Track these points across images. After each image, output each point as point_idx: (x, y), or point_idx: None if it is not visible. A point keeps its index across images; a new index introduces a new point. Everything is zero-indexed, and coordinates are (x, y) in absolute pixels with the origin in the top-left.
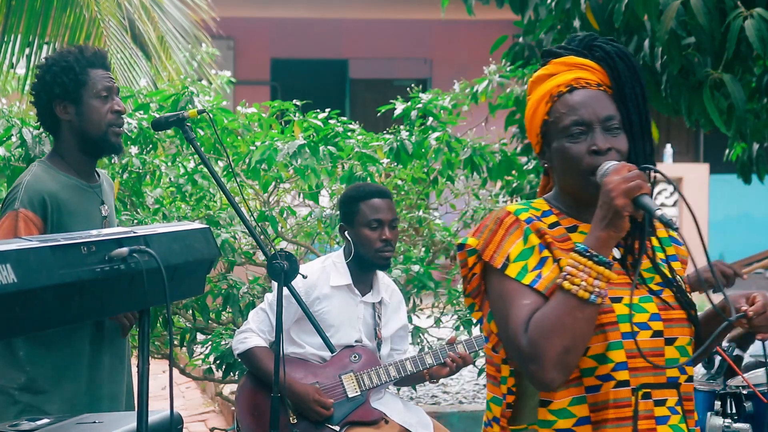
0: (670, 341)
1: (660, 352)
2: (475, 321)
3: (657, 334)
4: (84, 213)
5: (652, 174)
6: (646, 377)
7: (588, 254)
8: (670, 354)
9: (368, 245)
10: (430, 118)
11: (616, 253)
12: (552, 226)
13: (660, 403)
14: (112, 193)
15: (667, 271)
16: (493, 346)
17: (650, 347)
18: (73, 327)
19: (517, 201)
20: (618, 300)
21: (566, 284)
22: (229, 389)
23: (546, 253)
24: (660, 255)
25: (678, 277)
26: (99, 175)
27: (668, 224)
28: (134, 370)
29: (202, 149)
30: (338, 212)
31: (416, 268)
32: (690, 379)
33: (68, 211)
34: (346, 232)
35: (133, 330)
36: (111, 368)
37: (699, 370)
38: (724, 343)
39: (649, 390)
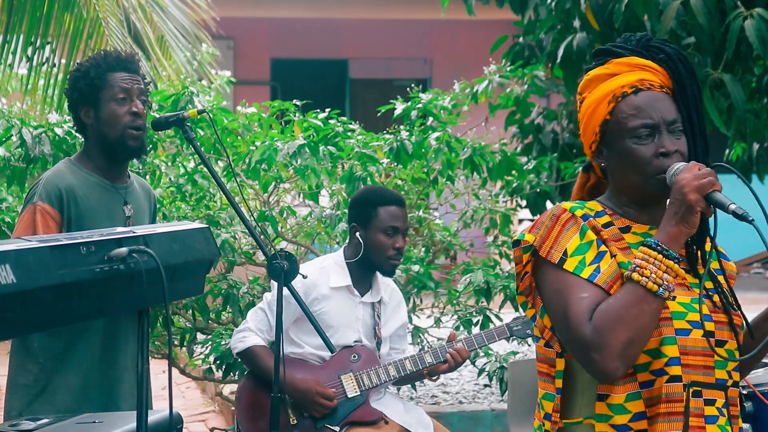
0: (720, 343)
1: (710, 352)
2: (529, 317)
3: (708, 334)
4: (105, 210)
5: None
6: (697, 375)
7: (659, 248)
8: (719, 355)
9: (381, 250)
10: (430, 118)
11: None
12: (605, 225)
13: (710, 402)
14: (147, 198)
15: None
16: (546, 341)
17: (701, 346)
18: (85, 324)
19: (575, 201)
20: (673, 298)
21: (635, 275)
22: (229, 389)
23: (604, 248)
24: (714, 264)
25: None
26: (129, 177)
27: (743, 218)
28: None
29: (202, 149)
30: (339, 212)
31: (416, 268)
32: (736, 384)
33: (87, 206)
34: (357, 233)
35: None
36: (125, 367)
37: None
38: None
39: (699, 389)
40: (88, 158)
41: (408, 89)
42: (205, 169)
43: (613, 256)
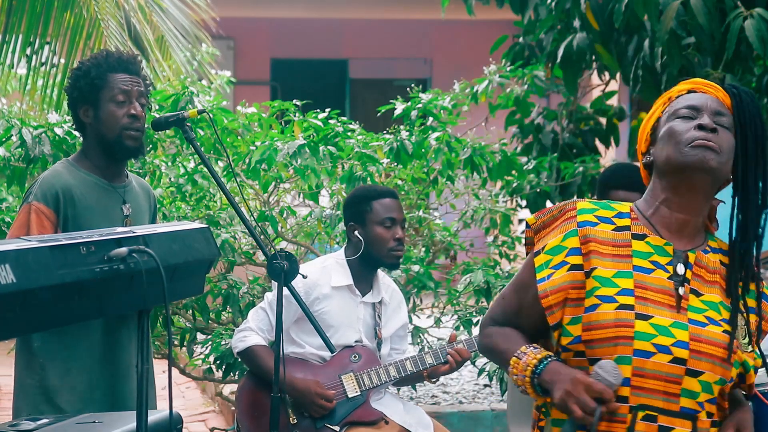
0: (694, 373)
1: (677, 380)
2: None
3: (678, 361)
4: (103, 210)
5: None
6: (653, 400)
7: (533, 375)
8: (688, 385)
9: (381, 244)
10: (430, 118)
11: (680, 268)
12: (619, 229)
13: (665, 429)
14: (146, 197)
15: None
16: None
17: (666, 372)
18: (85, 323)
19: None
20: (647, 318)
21: (514, 359)
22: (229, 389)
23: (573, 259)
24: (750, 302)
25: (745, 324)
26: (128, 177)
27: None
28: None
29: (202, 149)
30: (339, 212)
31: (416, 268)
32: (710, 415)
33: (85, 206)
34: (356, 232)
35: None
36: (129, 366)
37: None
38: None
39: (654, 414)
40: (86, 158)
41: (408, 89)
42: (205, 169)
43: (585, 270)
